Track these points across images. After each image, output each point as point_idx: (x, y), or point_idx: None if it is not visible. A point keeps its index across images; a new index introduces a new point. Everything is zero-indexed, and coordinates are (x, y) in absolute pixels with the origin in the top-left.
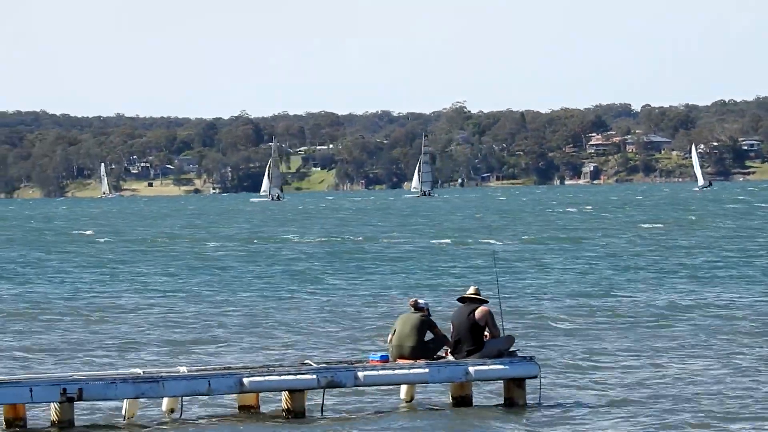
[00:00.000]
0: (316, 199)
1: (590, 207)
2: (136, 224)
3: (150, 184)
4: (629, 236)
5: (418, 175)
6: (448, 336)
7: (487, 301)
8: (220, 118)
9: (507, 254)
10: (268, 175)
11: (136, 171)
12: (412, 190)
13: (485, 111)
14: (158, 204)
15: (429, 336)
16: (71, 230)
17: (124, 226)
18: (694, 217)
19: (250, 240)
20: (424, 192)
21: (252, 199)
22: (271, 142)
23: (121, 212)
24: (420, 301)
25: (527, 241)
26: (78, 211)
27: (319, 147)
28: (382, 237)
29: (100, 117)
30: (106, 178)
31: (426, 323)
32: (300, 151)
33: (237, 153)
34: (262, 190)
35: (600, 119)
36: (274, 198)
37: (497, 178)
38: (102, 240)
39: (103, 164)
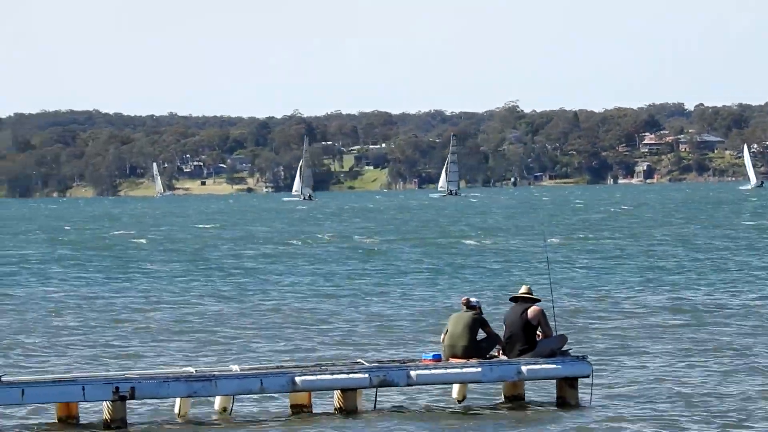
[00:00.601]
0: (350, 199)
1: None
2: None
3: (203, 183)
4: (689, 235)
5: (446, 174)
6: (501, 335)
7: (539, 300)
8: (273, 117)
9: (557, 253)
10: (300, 175)
11: (189, 170)
12: (439, 189)
13: (538, 110)
14: (207, 202)
15: (482, 335)
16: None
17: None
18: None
19: (287, 240)
20: (451, 191)
21: (284, 199)
22: (325, 141)
23: (173, 213)
24: (472, 299)
25: (576, 240)
26: (130, 209)
27: (371, 146)
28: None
29: (152, 116)
30: (159, 178)
31: (478, 322)
32: (353, 150)
33: (289, 152)
34: (294, 190)
35: (653, 118)
36: (306, 198)
37: (550, 178)
38: (144, 241)
39: (155, 163)
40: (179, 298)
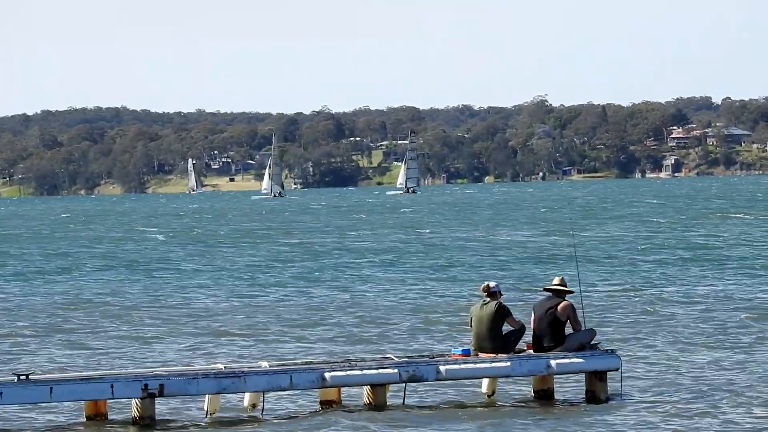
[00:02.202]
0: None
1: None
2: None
3: (231, 180)
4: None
5: (404, 171)
6: (526, 325)
7: (572, 292)
8: (302, 113)
9: (583, 246)
10: (269, 173)
11: (217, 166)
12: (397, 186)
13: (566, 105)
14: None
15: (507, 327)
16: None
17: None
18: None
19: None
20: (408, 189)
21: (253, 197)
22: (353, 137)
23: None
24: (491, 284)
25: (602, 234)
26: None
27: (400, 141)
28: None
29: (180, 113)
30: (193, 174)
31: (500, 314)
32: (381, 145)
33: (318, 148)
34: (263, 188)
35: (681, 112)
36: (276, 195)
37: (578, 172)
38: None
39: (190, 159)
40: (211, 294)
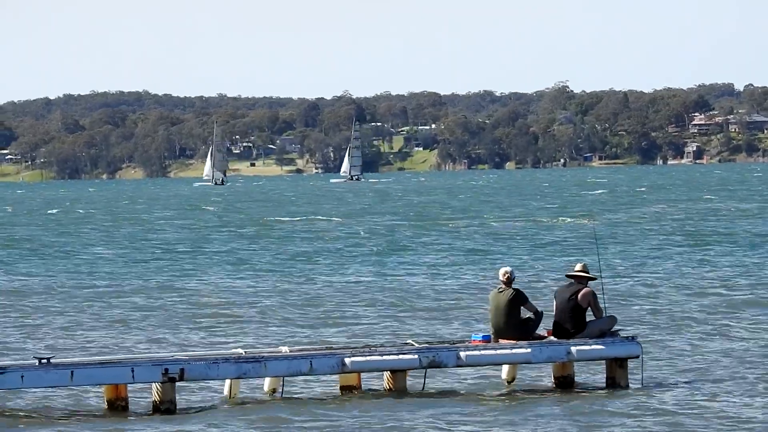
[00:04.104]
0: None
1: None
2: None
3: (252, 164)
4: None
5: (348, 159)
6: (547, 308)
7: (594, 278)
8: (323, 98)
9: (604, 232)
10: (211, 159)
11: (238, 151)
12: (342, 174)
13: (588, 91)
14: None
15: (525, 312)
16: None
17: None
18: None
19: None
20: (352, 177)
21: (195, 184)
22: (374, 122)
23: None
24: (507, 270)
25: (624, 220)
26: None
27: (421, 127)
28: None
29: (202, 97)
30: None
31: (517, 300)
32: (402, 131)
33: (339, 133)
34: (204, 174)
35: (703, 99)
36: (218, 182)
37: (600, 158)
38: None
39: (212, 145)
40: (231, 278)
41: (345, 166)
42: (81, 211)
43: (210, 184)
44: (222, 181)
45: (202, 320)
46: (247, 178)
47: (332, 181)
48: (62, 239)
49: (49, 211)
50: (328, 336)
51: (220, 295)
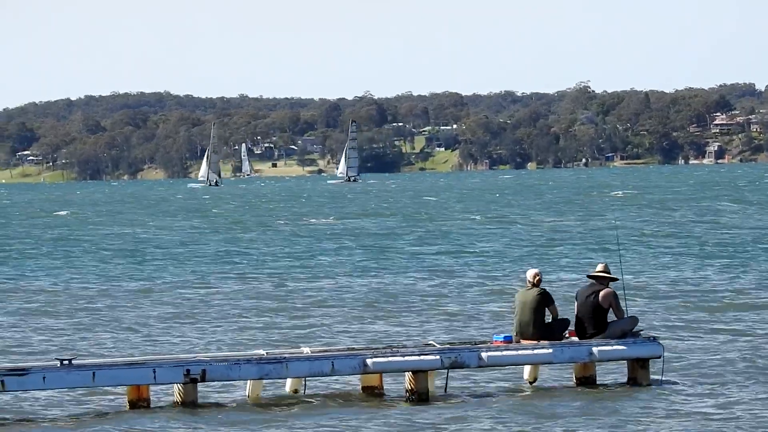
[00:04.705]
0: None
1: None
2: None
3: (273, 165)
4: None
5: (345, 160)
6: (568, 317)
7: (615, 279)
8: (344, 98)
9: (627, 232)
10: (207, 161)
11: (260, 152)
12: (338, 175)
13: (609, 91)
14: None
15: (549, 314)
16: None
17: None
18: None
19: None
20: (350, 177)
21: (189, 185)
22: (396, 122)
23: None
24: (536, 271)
25: (648, 220)
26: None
27: (442, 127)
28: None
29: (223, 98)
30: (247, 159)
31: (542, 301)
32: (424, 131)
33: (360, 133)
34: (200, 176)
35: (724, 99)
36: (212, 184)
37: (621, 158)
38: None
39: (243, 145)
40: (251, 279)
41: (342, 167)
42: (102, 210)
43: (206, 185)
44: (216, 182)
45: (224, 321)
46: (268, 178)
47: (329, 182)
48: (87, 237)
49: (57, 212)
50: (346, 337)
51: (242, 296)
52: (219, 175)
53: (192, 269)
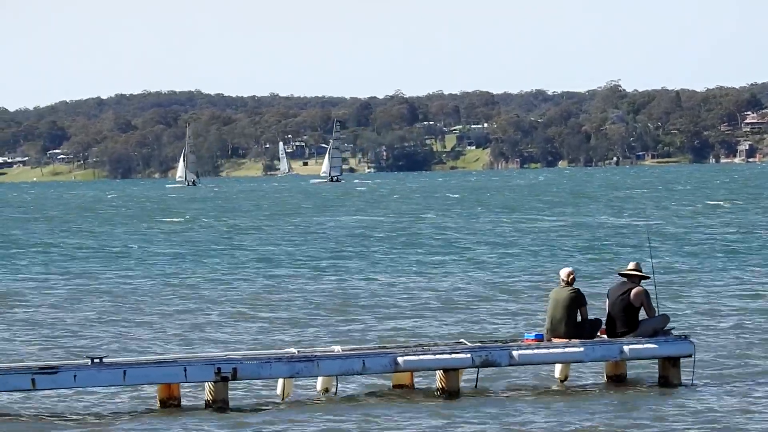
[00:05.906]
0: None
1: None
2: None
3: (305, 164)
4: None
5: (329, 159)
6: (599, 317)
7: (647, 277)
8: (375, 97)
9: (661, 231)
10: (184, 160)
11: (291, 150)
12: (321, 174)
13: (639, 90)
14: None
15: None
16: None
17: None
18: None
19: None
20: (333, 177)
21: (168, 185)
22: (426, 121)
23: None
24: (570, 270)
25: (680, 218)
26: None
27: (473, 126)
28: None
29: (254, 96)
30: (285, 158)
31: (575, 301)
32: (455, 130)
33: (391, 132)
34: (177, 176)
35: (755, 98)
36: (190, 183)
37: (652, 157)
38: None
39: (281, 143)
40: (281, 277)
41: (325, 166)
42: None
43: (183, 184)
44: (194, 182)
45: (256, 319)
46: (297, 176)
47: (312, 181)
48: (123, 235)
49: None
50: (376, 335)
51: (273, 294)
52: (197, 175)
53: (239, 266)
